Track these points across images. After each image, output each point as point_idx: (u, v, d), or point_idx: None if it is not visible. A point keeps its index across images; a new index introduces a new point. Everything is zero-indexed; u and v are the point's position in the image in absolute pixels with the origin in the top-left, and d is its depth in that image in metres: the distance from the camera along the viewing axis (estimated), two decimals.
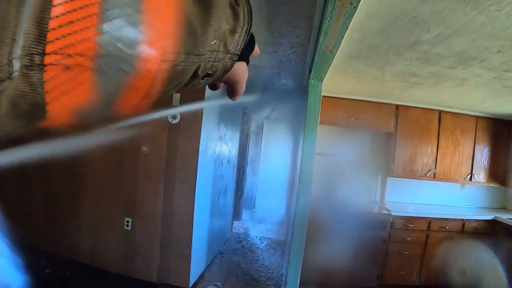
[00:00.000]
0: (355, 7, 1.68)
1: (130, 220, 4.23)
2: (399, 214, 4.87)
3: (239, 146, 6.43)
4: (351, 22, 1.86)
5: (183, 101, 3.90)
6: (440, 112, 5.27)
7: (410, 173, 5.27)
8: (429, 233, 4.91)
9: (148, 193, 4.17)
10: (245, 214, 7.85)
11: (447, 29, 2.27)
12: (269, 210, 7.97)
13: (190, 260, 4.03)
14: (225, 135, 5.09)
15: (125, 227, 4.25)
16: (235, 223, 6.99)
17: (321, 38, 2.12)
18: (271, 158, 7.92)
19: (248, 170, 7.65)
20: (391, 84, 4.02)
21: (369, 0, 1.78)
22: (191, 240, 4.03)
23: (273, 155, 7.87)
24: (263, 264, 5.27)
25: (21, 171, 4.76)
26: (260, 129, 8.47)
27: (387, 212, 4.88)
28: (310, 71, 3.23)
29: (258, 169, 8.41)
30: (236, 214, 7.09)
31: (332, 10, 1.73)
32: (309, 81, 3.30)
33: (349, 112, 5.00)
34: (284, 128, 7.41)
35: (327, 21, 1.86)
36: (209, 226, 4.78)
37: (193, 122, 3.94)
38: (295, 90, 4.81)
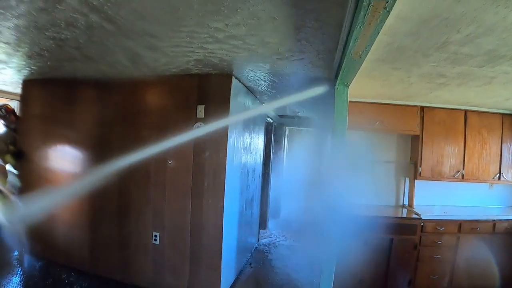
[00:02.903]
0: (388, 11, 1.65)
1: (158, 234, 4.23)
2: (429, 217, 4.77)
3: (263, 155, 6.41)
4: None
5: (208, 113, 3.92)
6: (465, 111, 5.18)
7: (438, 175, 5.18)
8: (460, 235, 4.80)
9: (176, 206, 4.15)
10: (271, 223, 7.79)
11: (478, 29, 2.23)
12: (295, 218, 7.90)
13: (220, 272, 3.99)
14: (250, 145, 5.06)
15: (153, 241, 4.25)
16: (262, 232, 6.96)
17: (350, 44, 2.10)
18: (295, 165, 7.86)
19: (273, 178, 7.60)
20: (417, 86, 3.97)
21: (400, 2, 1.73)
22: (221, 252, 3.98)
23: (297, 162, 7.81)
24: (292, 274, 5.21)
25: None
26: (283, 137, 8.45)
27: (417, 216, 4.80)
28: (336, 77, 3.21)
29: (282, 176, 8.37)
30: (262, 223, 7.05)
31: (365, 16, 1.70)
32: (336, 87, 3.27)
33: (374, 116, 4.95)
34: (307, 134, 7.38)
35: (358, 27, 1.83)
36: (238, 237, 4.74)
37: (219, 133, 3.91)
38: (319, 96, 4.77)
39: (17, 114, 5.50)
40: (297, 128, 8.26)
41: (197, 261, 4.08)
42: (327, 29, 2.25)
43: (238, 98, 4.17)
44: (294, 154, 8.13)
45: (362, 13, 1.68)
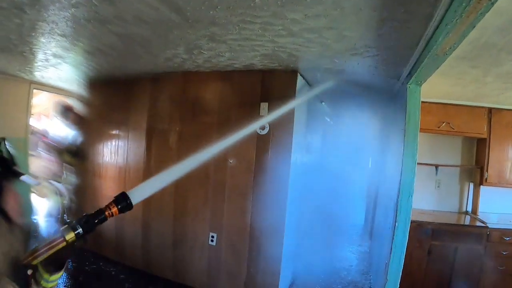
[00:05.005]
0: (493, 3, 1.52)
1: (215, 235, 4.18)
2: (496, 226, 4.51)
3: (320, 154, 6.30)
4: None
5: (272, 111, 3.80)
6: None
7: (505, 181, 4.88)
8: None
9: (236, 207, 4.08)
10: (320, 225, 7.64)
11: None
12: (347, 219, 7.70)
13: (279, 278, 3.87)
14: (310, 144, 4.95)
15: (210, 242, 4.21)
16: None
17: (439, 39, 1.97)
18: (353, 166, 7.64)
19: (329, 177, 7.42)
20: (491, 86, 3.75)
21: None
22: (281, 257, 3.86)
23: (353, 162, 7.60)
24: (347, 277, 5.07)
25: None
26: (340, 134, 8.23)
27: (482, 224, 4.55)
28: (409, 75, 3.07)
29: (339, 176, 8.14)
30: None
31: (466, 7, 1.57)
32: (408, 85, 3.13)
33: (440, 117, 4.74)
34: (366, 135, 7.17)
35: (455, 20, 1.71)
36: (296, 240, 4.63)
37: (284, 132, 3.79)
38: (381, 97, 4.63)
39: (75, 111, 5.59)
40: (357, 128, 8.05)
41: (255, 265, 3.98)
42: (414, 22, 2.11)
43: (302, 96, 4.04)
44: (353, 155, 7.90)
45: (464, 4, 1.56)
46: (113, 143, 5.00)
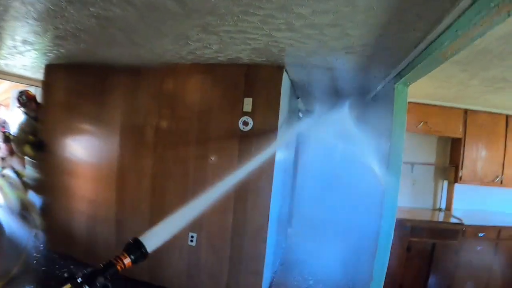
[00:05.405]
0: (510, 15, 1.52)
1: (195, 235, 4.06)
2: (471, 222, 4.67)
3: (295, 152, 6.29)
4: None
5: (256, 107, 3.76)
6: (506, 116, 5.04)
7: (478, 180, 5.08)
8: (499, 242, 4.68)
9: (217, 205, 3.90)
10: (296, 221, 7.62)
11: None
12: (320, 216, 7.71)
13: (262, 277, 3.81)
14: (288, 141, 4.92)
15: (190, 243, 4.09)
16: (288, 230, 6.84)
17: (446, 43, 1.98)
18: (323, 162, 7.66)
19: (300, 175, 7.43)
20: (474, 89, 3.82)
21: None
22: (264, 256, 3.79)
23: (326, 159, 7.62)
24: (322, 274, 5.09)
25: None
26: (313, 133, 8.21)
27: (458, 221, 4.70)
28: (397, 75, 3.08)
29: (309, 173, 8.14)
30: (289, 221, 6.93)
31: (483, 16, 1.56)
32: (395, 85, 3.15)
33: (419, 117, 4.85)
34: (340, 132, 7.20)
35: (467, 27, 1.72)
36: (276, 238, 4.60)
37: (268, 128, 3.69)
38: (360, 95, 4.65)
39: (38, 101, 5.31)
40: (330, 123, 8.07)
41: (237, 265, 3.90)
42: (420, 25, 2.08)
43: (285, 92, 3.99)
44: (325, 151, 7.93)
45: (482, 13, 1.56)
46: (83, 136, 4.75)
